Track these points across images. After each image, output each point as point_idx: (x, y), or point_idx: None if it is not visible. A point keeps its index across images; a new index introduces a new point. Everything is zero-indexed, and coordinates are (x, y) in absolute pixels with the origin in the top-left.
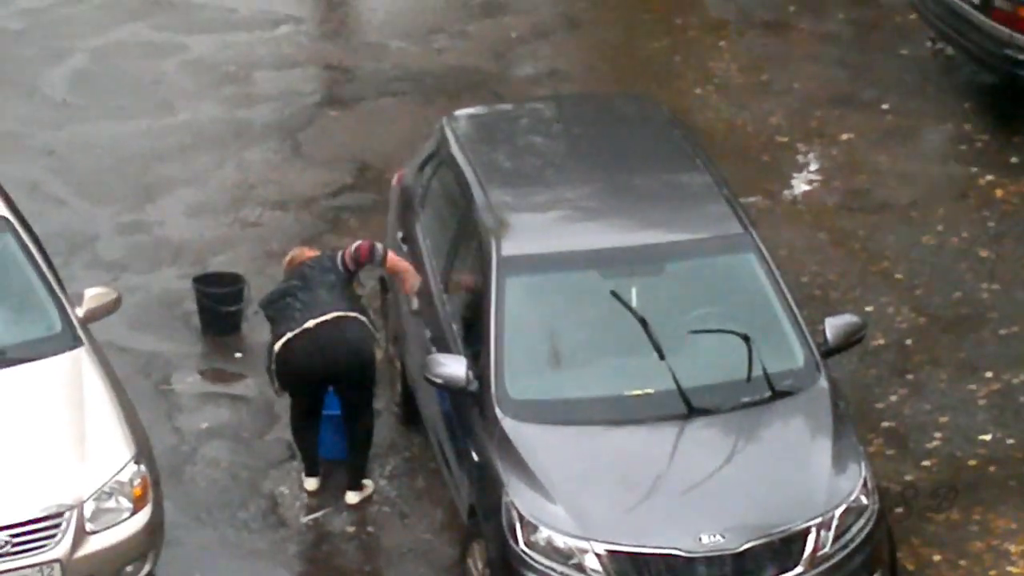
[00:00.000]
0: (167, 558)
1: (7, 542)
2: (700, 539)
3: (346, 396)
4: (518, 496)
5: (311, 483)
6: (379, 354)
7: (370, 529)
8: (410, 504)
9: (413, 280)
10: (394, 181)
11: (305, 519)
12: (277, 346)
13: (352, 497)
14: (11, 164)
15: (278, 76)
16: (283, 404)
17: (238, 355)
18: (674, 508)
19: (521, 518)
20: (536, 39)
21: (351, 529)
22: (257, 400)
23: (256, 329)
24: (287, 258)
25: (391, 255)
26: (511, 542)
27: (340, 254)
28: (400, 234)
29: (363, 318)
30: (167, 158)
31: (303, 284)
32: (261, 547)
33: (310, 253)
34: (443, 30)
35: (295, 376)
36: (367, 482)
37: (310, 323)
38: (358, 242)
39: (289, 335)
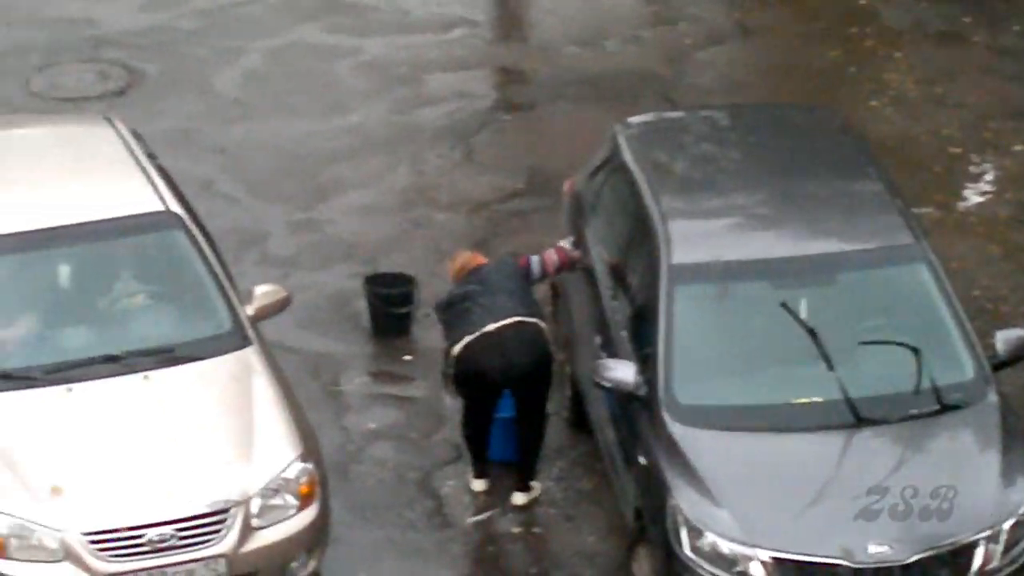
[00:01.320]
0: (332, 556)
1: (174, 536)
2: (867, 550)
3: (522, 399)
4: (684, 500)
5: (479, 484)
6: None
7: (536, 530)
8: (576, 506)
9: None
10: (566, 187)
11: (471, 519)
12: (456, 349)
13: (519, 498)
14: (184, 161)
15: (451, 79)
16: (451, 405)
17: (407, 357)
18: (841, 517)
19: (687, 522)
20: (710, 46)
21: (517, 530)
22: (425, 401)
23: (427, 331)
24: (456, 264)
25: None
26: (676, 547)
27: (540, 258)
28: (571, 240)
29: (543, 323)
30: (339, 158)
31: (483, 288)
32: (426, 547)
33: (480, 259)
34: (616, 35)
35: (474, 379)
36: (535, 484)
37: (491, 326)
38: (558, 248)
39: (469, 338)
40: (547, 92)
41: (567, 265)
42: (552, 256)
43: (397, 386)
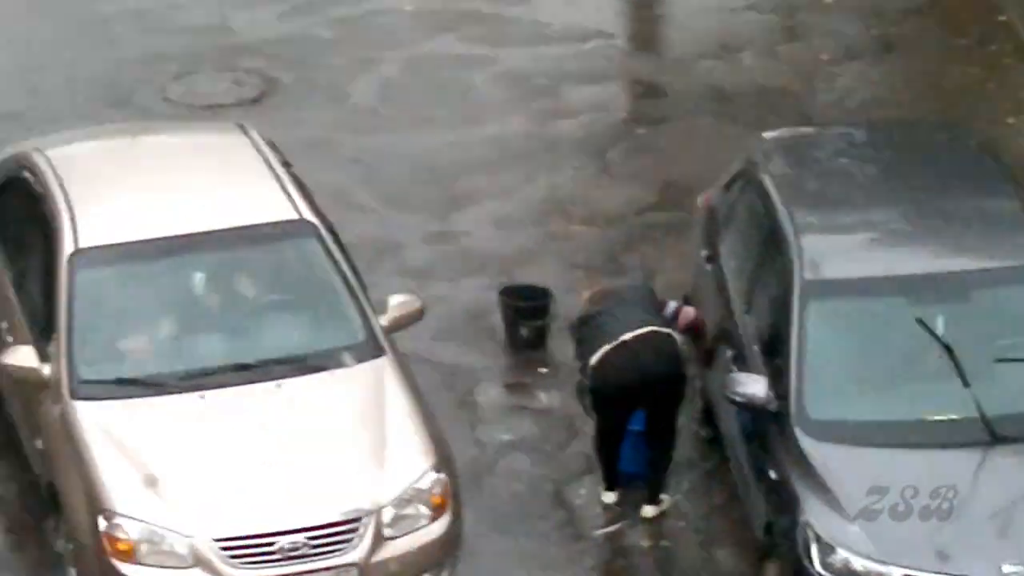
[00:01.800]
0: (465, 567)
1: (305, 544)
2: (1001, 568)
3: (655, 411)
4: (815, 516)
5: (610, 496)
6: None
7: (665, 544)
8: (706, 520)
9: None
10: (700, 201)
11: (601, 532)
12: (594, 359)
13: (649, 511)
14: (320, 171)
15: (587, 91)
16: (584, 417)
17: (543, 370)
18: (975, 536)
19: (818, 538)
20: (846, 62)
21: (646, 543)
22: (558, 413)
23: (562, 344)
24: (589, 294)
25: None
26: (806, 563)
27: (677, 306)
28: (705, 253)
29: (677, 336)
30: (474, 169)
31: (618, 303)
32: (558, 558)
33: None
34: (752, 49)
35: (611, 391)
36: (665, 497)
37: (627, 335)
38: (697, 310)
39: (607, 347)
40: (681, 105)
41: (696, 327)
42: (689, 312)
43: (531, 398)
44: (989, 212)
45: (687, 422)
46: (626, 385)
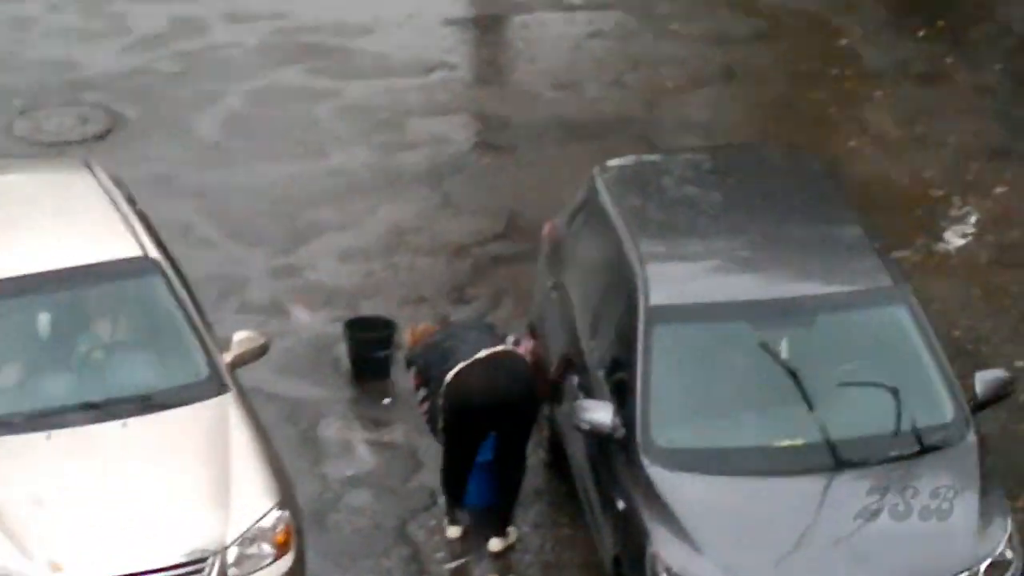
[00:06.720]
0: None
1: None
2: None
3: (504, 437)
4: (663, 547)
5: (454, 531)
6: None
7: None
8: (554, 553)
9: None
10: (544, 230)
11: (447, 567)
12: (448, 376)
13: (496, 544)
14: (164, 206)
15: (431, 122)
16: (428, 450)
17: (386, 401)
18: (822, 562)
19: (667, 570)
20: (692, 89)
21: None
22: (402, 446)
23: (406, 375)
24: (418, 330)
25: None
26: None
27: (515, 339)
28: (550, 282)
29: (528, 359)
30: (320, 202)
31: (462, 329)
32: None
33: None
34: (597, 79)
35: (466, 410)
36: (511, 530)
37: (482, 353)
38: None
39: (462, 364)
40: (526, 136)
41: (536, 358)
42: (528, 344)
43: (375, 431)
44: (832, 237)
45: (535, 450)
46: (481, 405)
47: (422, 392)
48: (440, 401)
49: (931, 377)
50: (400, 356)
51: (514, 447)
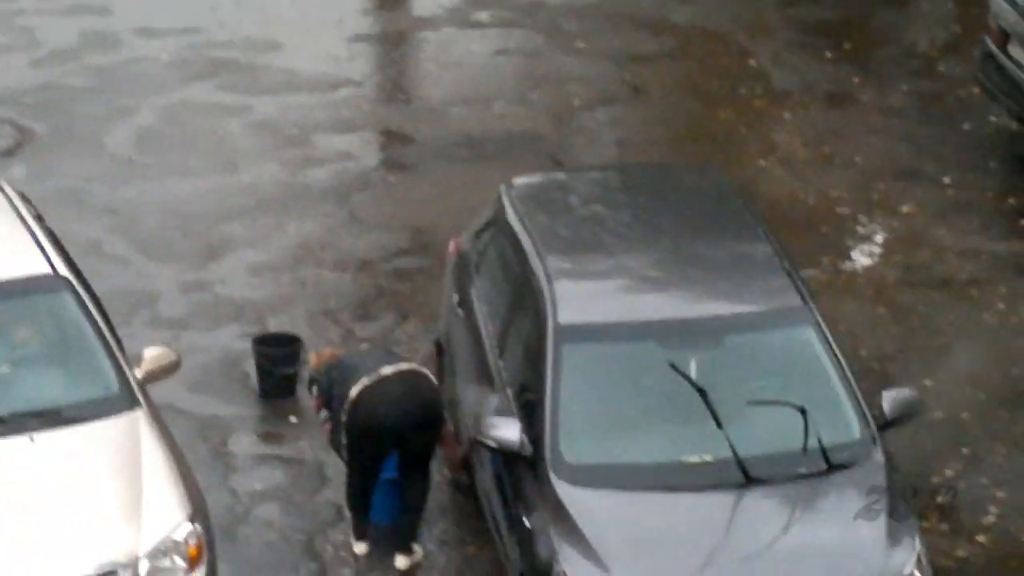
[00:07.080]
0: None
1: None
2: None
3: (408, 454)
4: (570, 565)
5: (361, 547)
6: None
7: None
8: (460, 571)
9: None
10: (451, 247)
11: None
12: (353, 393)
13: (401, 561)
14: (74, 222)
15: (338, 139)
16: (334, 466)
17: (293, 419)
18: None
19: None
20: (599, 106)
21: None
22: (309, 461)
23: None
24: (325, 352)
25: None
26: None
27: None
28: (456, 299)
29: (433, 378)
30: (230, 218)
31: (364, 352)
32: None
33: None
34: (503, 96)
35: (369, 427)
36: (417, 547)
37: (387, 369)
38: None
39: (366, 380)
40: (431, 153)
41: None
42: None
43: (283, 447)
44: (742, 256)
45: (439, 466)
46: (385, 422)
47: (324, 413)
48: (343, 417)
49: (838, 396)
50: (305, 374)
51: (418, 464)
